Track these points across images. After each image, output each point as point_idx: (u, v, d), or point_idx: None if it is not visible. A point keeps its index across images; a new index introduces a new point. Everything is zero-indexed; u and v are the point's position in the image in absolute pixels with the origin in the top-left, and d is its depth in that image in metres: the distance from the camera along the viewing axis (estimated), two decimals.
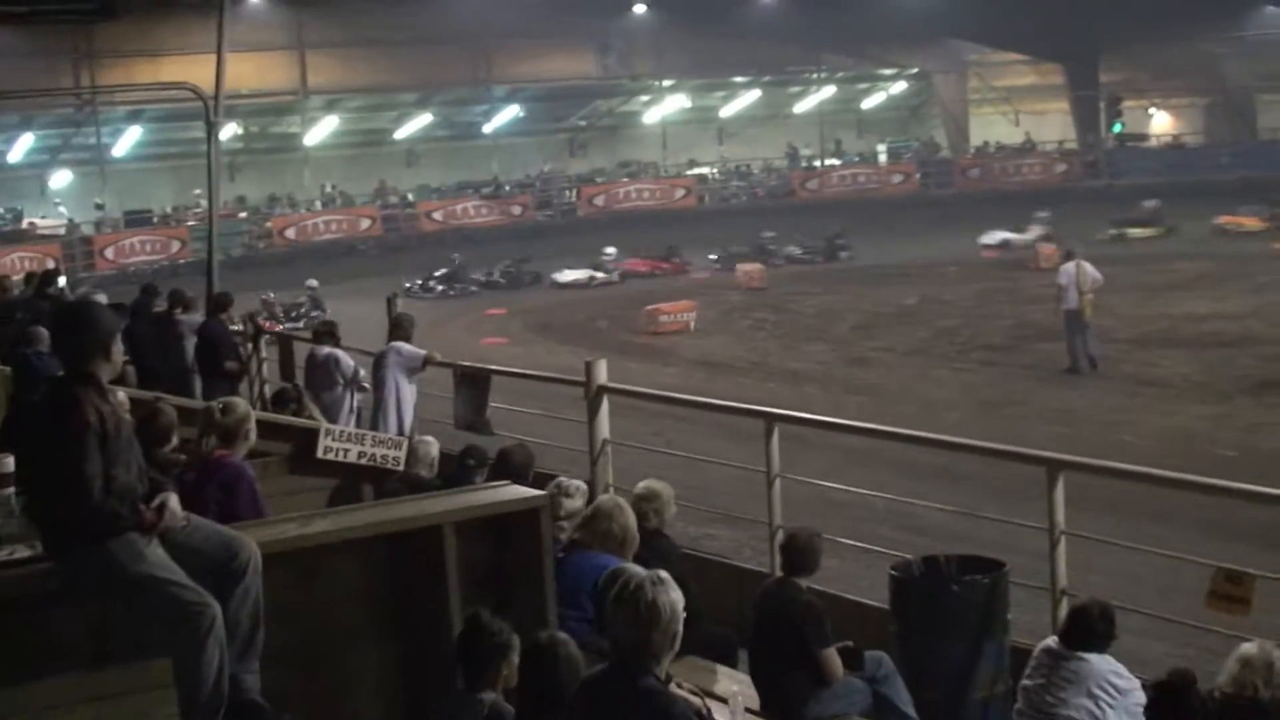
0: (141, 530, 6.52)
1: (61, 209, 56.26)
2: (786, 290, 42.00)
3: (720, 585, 11.35)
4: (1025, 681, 8.56)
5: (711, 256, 49.90)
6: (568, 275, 47.33)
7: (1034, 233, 49.46)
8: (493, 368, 17.04)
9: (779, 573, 10.35)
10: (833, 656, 9.50)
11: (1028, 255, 45.53)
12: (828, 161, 69.47)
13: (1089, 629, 8.43)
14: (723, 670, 10.00)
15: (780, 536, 10.75)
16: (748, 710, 8.86)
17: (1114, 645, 8.43)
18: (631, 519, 9.58)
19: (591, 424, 13.64)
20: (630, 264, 49.23)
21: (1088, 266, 27.89)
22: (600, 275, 47.92)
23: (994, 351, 30.83)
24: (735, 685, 9.45)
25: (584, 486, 10.67)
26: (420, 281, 46.23)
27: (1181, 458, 18.03)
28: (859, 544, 12.11)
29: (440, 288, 46.04)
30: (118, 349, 6.89)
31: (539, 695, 6.32)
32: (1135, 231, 51.14)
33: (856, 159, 70.39)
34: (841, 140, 71.83)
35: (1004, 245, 49.33)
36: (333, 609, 7.56)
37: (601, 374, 13.75)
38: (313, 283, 42.43)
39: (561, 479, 10.67)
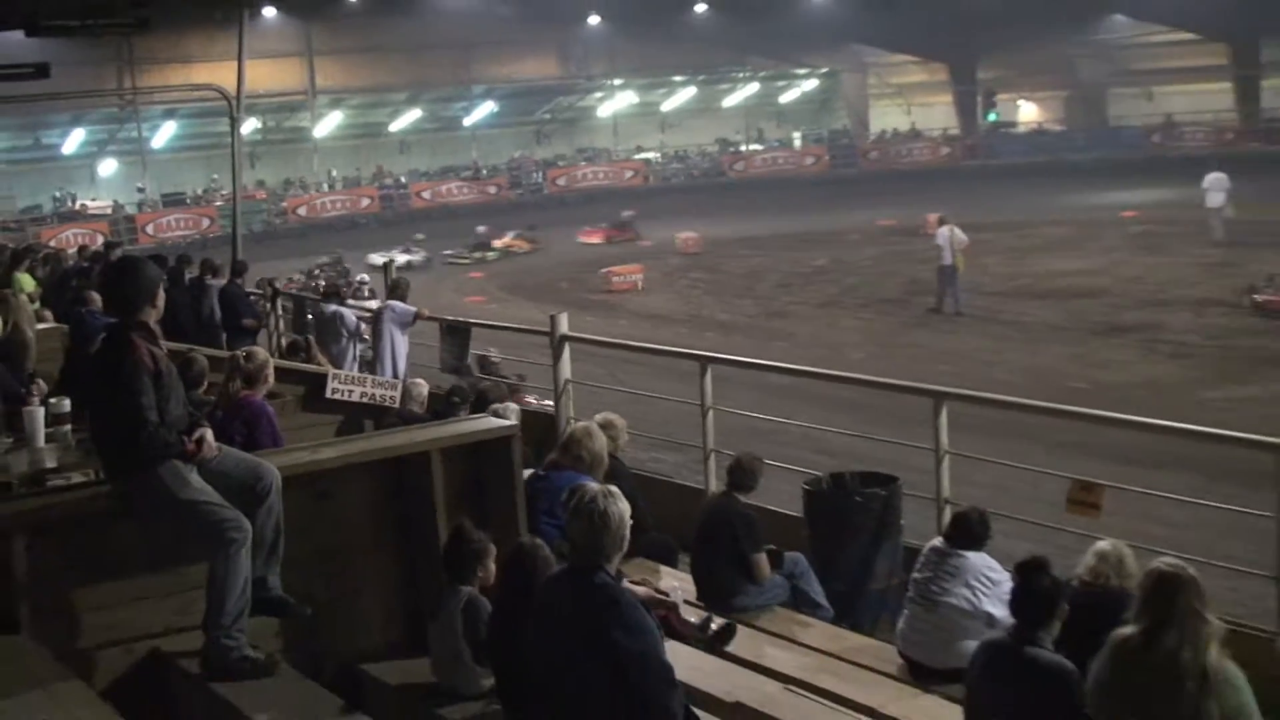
0: (184, 458, 6.50)
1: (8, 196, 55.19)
2: (719, 254, 41.92)
3: (663, 499, 11.37)
4: (915, 575, 8.62)
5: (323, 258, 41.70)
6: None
7: (417, 254, 43.36)
8: (472, 321, 17.01)
9: (721, 489, 10.43)
10: (763, 559, 9.58)
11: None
12: (752, 147, 69.59)
13: (968, 531, 8.50)
14: (665, 569, 10.06)
15: (725, 460, 10.79)
16: (686, 602, 8.92)
17: (989, 545, 8.49)
18: (601, 443, 9.61)
19: (555, 367, 13.62)
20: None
21: (958, 230, 29.15)
22: None
23: (890, 304, 30.98)
24: (676, 582, 9.54)
25: (515, 407, 10.70)
26: None
27: (1043, 389, 18.20)
28: (778, 464, 12.14)
29: None
30: (161, 297, 6.79)
31: (519, 588, 6.36)
32: (491, 254, 45.44)
33: (776, 144, 70.38)
34: (763, 129, 71.85)
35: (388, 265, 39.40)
36: (342, 523, 7.56)
37: (563, 325, 13.74)
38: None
39: (495, 405, 10.74)
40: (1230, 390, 20.78)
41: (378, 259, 34.77)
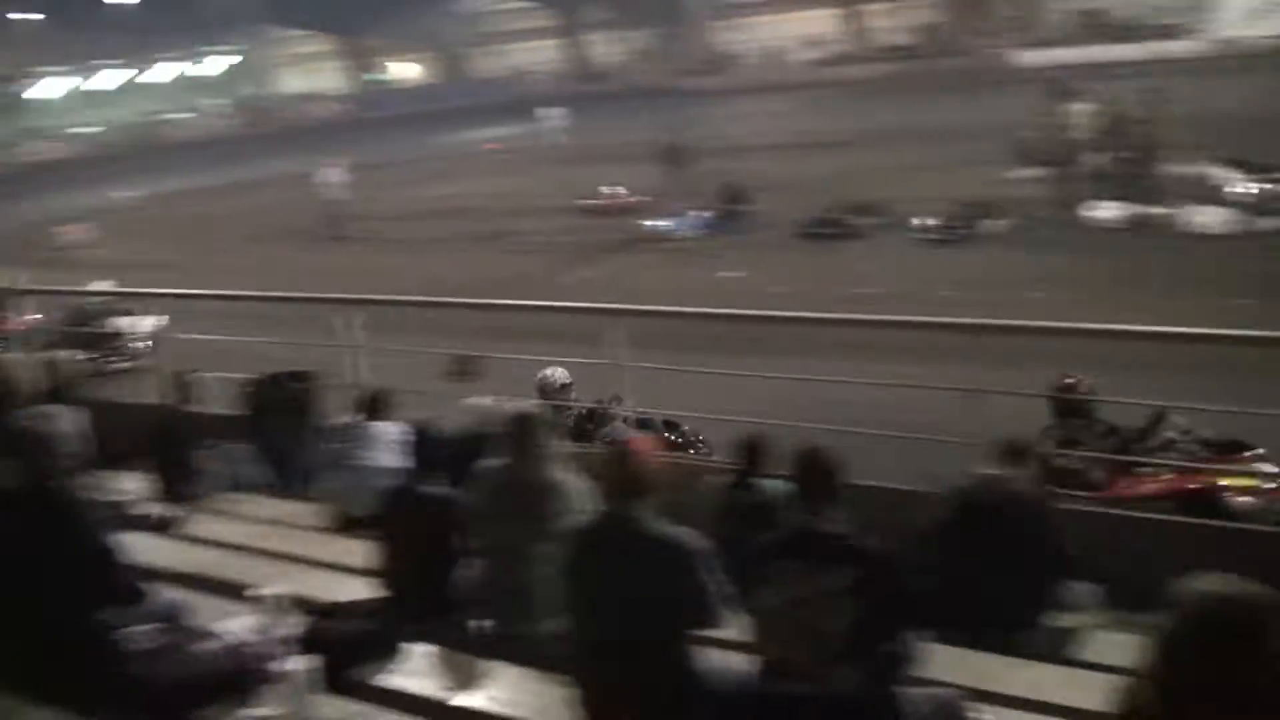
0: None
1: None
2: (163, 207, 39.48)
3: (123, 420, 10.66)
4: (335, 445, 8.56)
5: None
6: None
7: None
8: None
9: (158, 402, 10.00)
10: (204, 455, 9.19)
11: None
12: (183, 115, 67.07)
13: (375, 407, 8.56)
14: (126, 475, 9.41)
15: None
16: (146, 500, 8.50)
17: (393, 414, 8.49)
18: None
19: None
20: None
21: (338, 171, 29.61)
22: None
23: (301, 235, 29.68)
24: (134, 484, 9.01)
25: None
26: None
27: (433, 290, 18.40)
28: (225, 375, 11.48)
29: None
30: None
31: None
32: None
33: (204, 113, 68.04)
34: (193, 100, 69.22)
35: None
36: None
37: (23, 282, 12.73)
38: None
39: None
40: (578, 274, 21.81)
41: None
